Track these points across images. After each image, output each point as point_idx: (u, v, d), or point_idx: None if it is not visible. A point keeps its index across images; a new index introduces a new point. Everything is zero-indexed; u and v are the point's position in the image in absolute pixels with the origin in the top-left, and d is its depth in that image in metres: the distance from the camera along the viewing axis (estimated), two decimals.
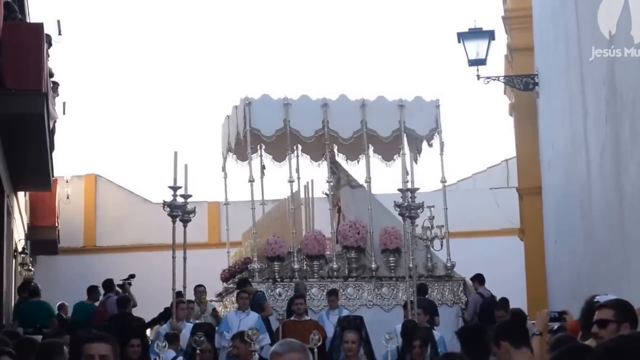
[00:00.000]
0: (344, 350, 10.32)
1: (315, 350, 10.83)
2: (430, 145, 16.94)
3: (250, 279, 15.10)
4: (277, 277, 15.33)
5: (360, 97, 16.60)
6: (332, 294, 14.30)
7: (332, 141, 16.66)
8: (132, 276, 18.55)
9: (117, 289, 17.85)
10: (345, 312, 13.88)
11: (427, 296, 14.74)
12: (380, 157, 17.46)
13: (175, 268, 11.45)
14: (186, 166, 11.33)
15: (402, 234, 14.73)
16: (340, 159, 17.62)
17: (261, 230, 16.38)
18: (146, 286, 19.29)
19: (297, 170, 16.44)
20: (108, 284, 17.56)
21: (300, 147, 17.13)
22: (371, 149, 17.02)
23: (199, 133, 47.44)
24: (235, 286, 15.46)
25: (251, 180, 16.17)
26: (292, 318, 13.31)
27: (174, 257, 11.49)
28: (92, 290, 17.33)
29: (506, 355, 5.67)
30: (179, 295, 15.92)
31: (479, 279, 15.76)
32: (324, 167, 17.49)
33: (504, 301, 13.90)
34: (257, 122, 16.13)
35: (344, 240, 15.73)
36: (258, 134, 16.24)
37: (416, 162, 16.51)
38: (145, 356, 10.37)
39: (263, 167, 17.53)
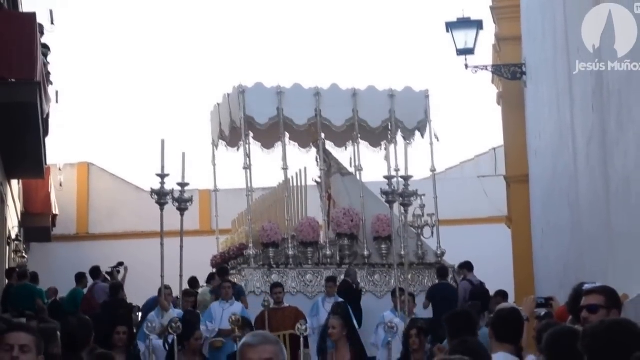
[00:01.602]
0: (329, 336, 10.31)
1: (302, 338, 10.93)
2: (422, 135, 17.11)
3: (246, 265, 15.22)
4: (272, 263, 15.45)
5: (352, 86, 16.79)
6: (330, 280, 14.23)
7: (323, 129, 16.80)
8: (120, 264, 18.64)
9: (105, 276, 17.94)
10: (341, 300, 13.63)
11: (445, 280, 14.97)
12: (367, 143, 17.58)
13: (163, 255, 11.41)
14: (184, 154, 11.14)
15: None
16: (327, 145, 17.65)
17: (254, 218, 16.49)
18: (139, 273, 19.40)
19: (285, 158, 16.55)
20: (95, 271, 17.59)
21: (288, 135, 17.24)
22: (359, 136, 17.14)
23: (191, 120, 47.47)
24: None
25: (246, 167, 16.27)
26: (272, 306, 13.20)
27: (162, 245, 11.45)
28: (80, 277, 17.35)
29: (491, 341, 5.88)
30: (192, 281, 15.95)
31: (467, 266, 15.87)
32: (311, 154, 17.62)
33: (504, 292, 14.07)
34: (251, 110, 16.21)
35: (337, 228, 15.83)
36: (252, 121, 16.33)
37: (405, 150, 16.57)
38: (132, 343, 10.35)
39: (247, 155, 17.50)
